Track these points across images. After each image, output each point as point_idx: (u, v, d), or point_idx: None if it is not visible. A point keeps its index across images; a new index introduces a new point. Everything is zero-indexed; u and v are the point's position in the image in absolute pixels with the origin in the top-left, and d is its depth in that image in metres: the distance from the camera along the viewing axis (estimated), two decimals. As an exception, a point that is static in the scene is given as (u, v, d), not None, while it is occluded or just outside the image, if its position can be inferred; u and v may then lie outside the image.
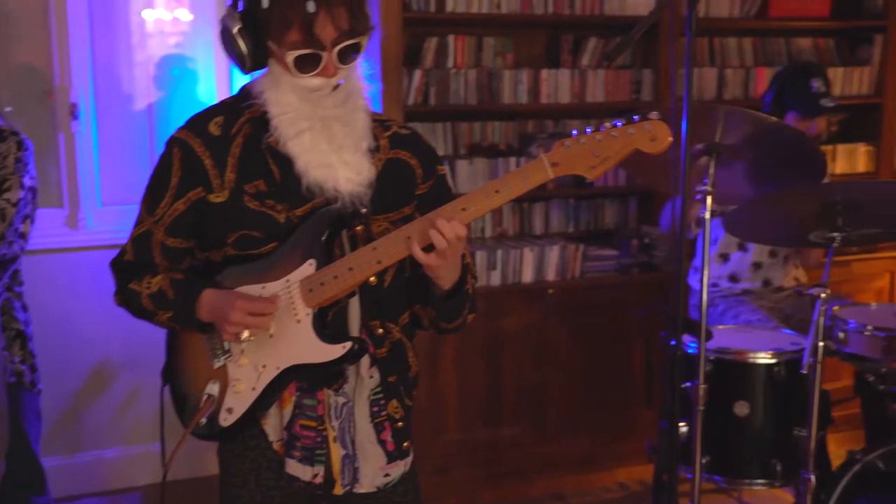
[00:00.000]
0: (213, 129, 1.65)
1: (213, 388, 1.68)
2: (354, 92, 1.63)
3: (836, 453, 2.83)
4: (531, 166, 1.53)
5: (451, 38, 3.58)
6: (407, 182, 1.73)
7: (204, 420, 1.68)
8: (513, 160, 3.61)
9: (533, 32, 3.78)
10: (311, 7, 1.50)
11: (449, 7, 3.45)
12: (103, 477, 3.50)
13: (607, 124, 1.51)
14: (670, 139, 1.47)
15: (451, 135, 3.69)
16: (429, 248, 1.56)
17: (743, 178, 2.49)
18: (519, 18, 3.57)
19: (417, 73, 3.47)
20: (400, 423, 1.74)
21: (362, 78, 1.66)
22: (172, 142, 1.67)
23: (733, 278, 3.22)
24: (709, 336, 2.49)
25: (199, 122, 1.67)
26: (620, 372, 3.66)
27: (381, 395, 1.72)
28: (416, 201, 1.73)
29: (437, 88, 3.49)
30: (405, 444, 1.76)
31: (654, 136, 1.48)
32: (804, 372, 2.31)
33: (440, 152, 3.59)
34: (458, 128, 3.69)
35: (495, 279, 3.52)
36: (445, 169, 1.80)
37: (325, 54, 1.55)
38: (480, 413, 3.52)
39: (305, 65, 1.56)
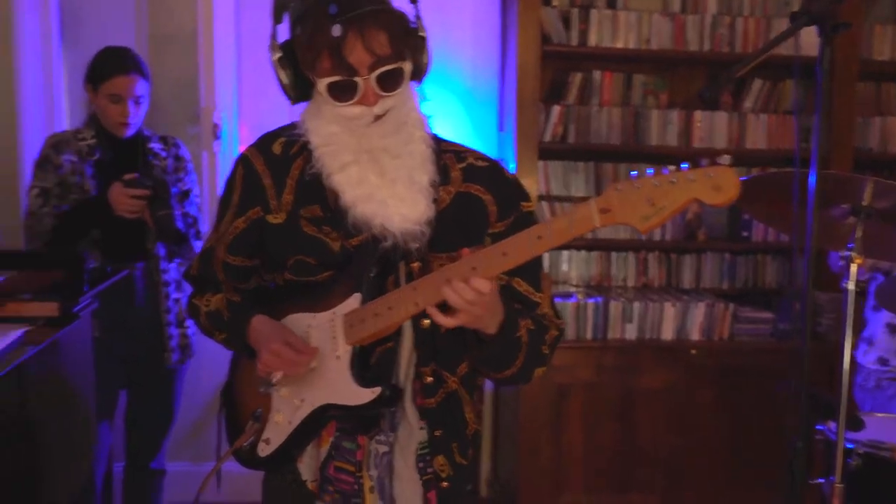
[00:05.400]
0: (276, 148, 1.60)
1: (258, 415, 1.62)
2: (408, 122, 1.50)
3: None
4: (578, 212, 1.32)
5: (597, 74, 3.39)
6: (476, 219, 1.56)
7: (247, 445, 1.63)
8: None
9: (690, 71, 3.51)
10: (336, 31, 1.39)
11: (592, 41, 3.27)
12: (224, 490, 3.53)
13: (671, 167, 1.29)
14: (737, 190, 1.22)
15: (594, 175, 3.48)
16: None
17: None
18: (669, 55, 3.33)
19: (556, 109, 3.31)
20: (445, 483, 1.58)
21: (418, 107, 1.53)
22: (240, 159, 1.63)
23: (906, 355, 2.76)
24: (859, 424, 2.13)
25: (266, 140, 1.63)
26: (770, 449, 3.28)
27: (427, 451, 1.58)
28: (488, 240, 1.55)
29: (577, 126, 3.31)
30: None
31: (718, 184, 1.23)
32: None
33: (580, 192, 3.42)
34: (601, 168, 3.48)
35: (631, 332, 3.29)
36: (533, 205, 1.61)
37: (360, 81, 1.44)
38: (608, 475, 3.31)
39: (340, 93, 1.45)
